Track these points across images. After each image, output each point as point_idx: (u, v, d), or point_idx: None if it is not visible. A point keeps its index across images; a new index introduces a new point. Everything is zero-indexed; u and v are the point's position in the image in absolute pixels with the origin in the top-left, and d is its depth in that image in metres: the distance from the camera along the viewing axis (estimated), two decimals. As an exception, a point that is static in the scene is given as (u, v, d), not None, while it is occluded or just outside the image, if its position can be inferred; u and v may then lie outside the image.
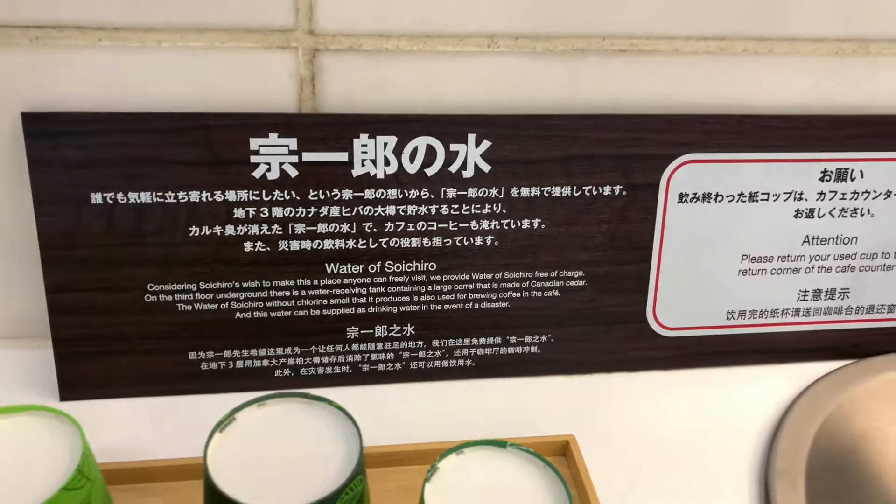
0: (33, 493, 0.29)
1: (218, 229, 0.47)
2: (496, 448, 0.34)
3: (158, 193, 0.46)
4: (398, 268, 0.49)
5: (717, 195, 0.51)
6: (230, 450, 0.32)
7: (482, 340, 0.52)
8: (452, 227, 0.49)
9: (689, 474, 0.46)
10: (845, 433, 0.49)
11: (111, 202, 0.45)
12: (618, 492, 0.43)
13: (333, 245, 0.48)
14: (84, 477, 0.31)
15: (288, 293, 0.49)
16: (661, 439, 0.48)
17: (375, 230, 0.48)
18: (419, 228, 0.49)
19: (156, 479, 0.42)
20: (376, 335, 0.50)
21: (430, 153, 0.47)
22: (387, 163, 0.47)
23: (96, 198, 0.45)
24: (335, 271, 0.49)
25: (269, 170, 0.46)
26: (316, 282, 0.49)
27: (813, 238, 0.53)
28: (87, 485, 0.31)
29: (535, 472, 0.33)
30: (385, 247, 0.49)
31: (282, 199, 0.47)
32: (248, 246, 0.47)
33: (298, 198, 0.47)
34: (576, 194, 0.49)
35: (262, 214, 0.47)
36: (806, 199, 0.52)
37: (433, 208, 0.48)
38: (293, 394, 0.35)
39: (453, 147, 0.47)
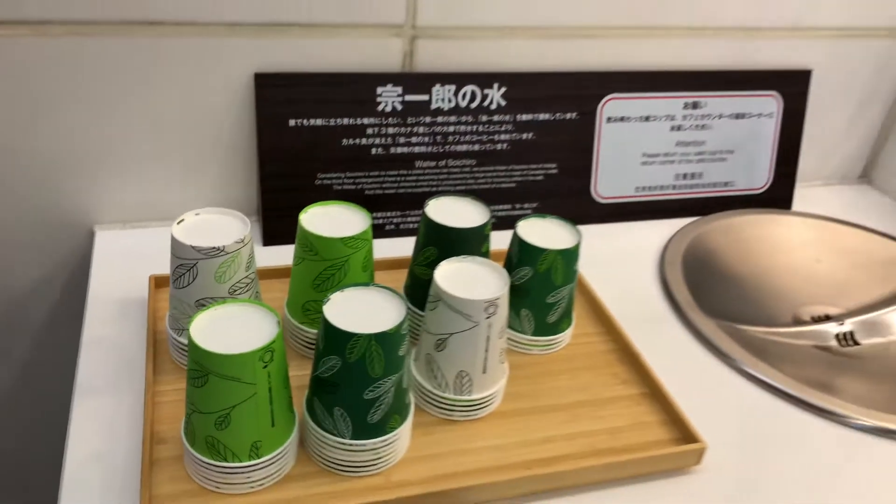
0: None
1: (358, 140, 0.81)
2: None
3: (325, 119, 0.80)
4: (454, 162, 0.86)
5: (627, 118, 0.90)
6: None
7: (500, 206, 0.89)
8: (485, 138, 0.86)
9: (618, 272, 0.84)
10: (700, 247, 0.90)
11: (299, 125, 0.79)
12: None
13: (420, 150, 0.84)
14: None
15: (394, 179, 0.84)
16: (602, 256, 0.86)
17: (442, 140, 0.84)
18: (466, 139, 0.85)
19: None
20: (441, 204, 0.86)
21: (473, 95, 0.84)
22: (449, 101, 0.83)
23: (291, 122, 0.79)
24: (420, 165, 0.84)
25: (386, 105, 0.81)
26: (410, 172, 0.84)
27: (680, 142, 0.93)
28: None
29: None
30: (447, 150, 0.85)
31: (393, 122, 0.82)
32: (373, 151, 0.82)
33: (402, 121, 0.82)
34: (552, 118, 0.87)
35: (381, 132, 0.82)
36: (676, 120, 0.92)
37: (474, 127, 0.85)
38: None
39: (486, 91, 0.84)
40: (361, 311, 0.53)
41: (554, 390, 0.66)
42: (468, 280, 0.59)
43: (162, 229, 0.77)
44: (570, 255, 0.66)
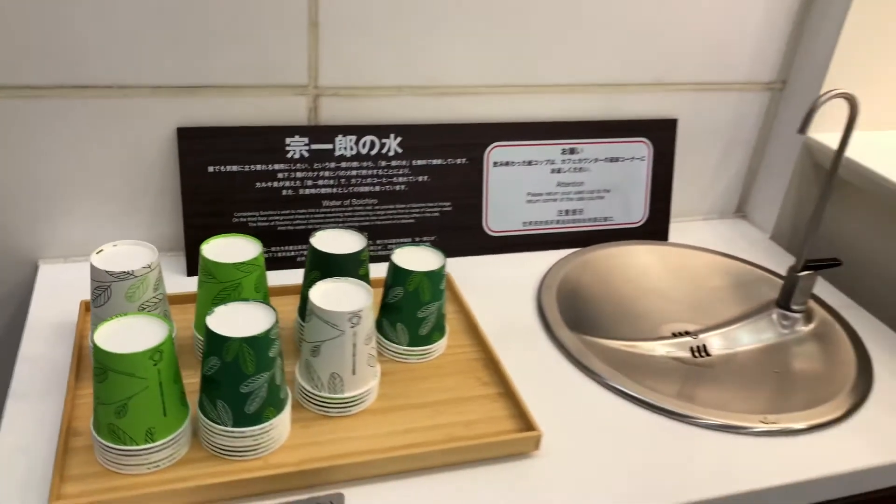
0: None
1: (270, 183, 0.94)
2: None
3: (240, 166, 0.92)
4: (357, 202, 0.98)
5: (511, 162, 1.03)
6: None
7: (400, 240, 1.01)
8: (385, 181, 0.98)
9: (501, 296, 0.96)
10: (577, 275, 1.02)
11: (217, 171, 0.92)
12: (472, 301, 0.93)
13: (326, 191, 0.96)
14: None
15: (304, 217, 0.96)
16: (489, 283, 0.99)
17: (346, 182, 0.97)
18: (367, 182, 0.98)
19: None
20: (347, 238, 0.99)
21: (372, 144, 0.97)
22: (351, 149, 0.96)
23: (210, 169, 0.92)
24: (327, 205, 0.97)
25: (294, 153, 0.94)
26: (318, 210, 0.97)
27: (561, 183, 1.06)
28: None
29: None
30: (350, 191, 0.98)
31: (301, 168, 0.95)
32: (284, 192, 0.95)
33: (309, 167, 0.95)
34: (444, 163, 1.00)
35: (291, 175, 0.95)
36: (556, 164, 1.05)
37: (374, 171, 0.98)
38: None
39: (383, 140, 0.97)
40: (240, 321, 0.65)
41: (422, 391, 0.78)
42: (339, 296, 0.71)
43: (96, 262, 0.89)
44: (436, 276, 0.79)
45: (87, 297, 0.82)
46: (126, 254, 0.73)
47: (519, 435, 0.72)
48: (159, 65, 0.86)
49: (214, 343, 0.63)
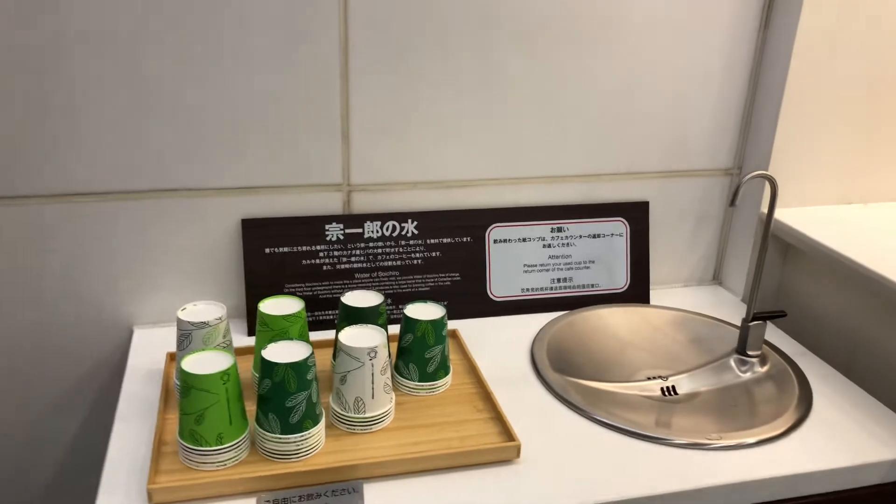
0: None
1: (313, 260, 1.19)
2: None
3: (290, 247, 1.17)
4: (383, 273, 1.22)
5: (509, 239, 1.26)
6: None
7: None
8: (405, 257, 1.22)
9: (501, 348, 1.17)
10: (565, 331, 1.23)
11: (272, 251, 1.17)
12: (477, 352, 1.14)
13: (358, 265, 1.20)
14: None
15: (340, 287, 1.20)
16: (492, 339, 1.19)
17: (373, 259, 1.21)
18: (391, 257, 1.22)
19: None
20: (375, 304, 1.22)
21: (394, 227, 1.21)
22: (377, 232, 1.21)
23: (266, 250, 1.17)
24: (358, 276, 1.21)
25: (332, 236, 1.19)
26: (351, 281, 1.21)
27: (552, 256, 1.28)
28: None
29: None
30: (377, 265, 1.21)
31: (337, 248, 1.19)
32: (324, 267, 1.19)
33: (344, 247, 1.19)
34: (452, 241, 1.24)
35: (330, 254, 1.19)
36: (546, 240, 1.28)
37: (395, 249, 1.22)
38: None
39: (403, 224, 1.21)
40: (286, 354, 0.87)
41: (429, 416, 0.98)
42: (361, 338, 0.93)
43: (177, 325, 1.14)
44: (439, 324, 1.01)
45: (172, 349, 1.07)
46: (203, 310, 0.97)
47: (503, 444, 0.92)
48: (228, 171, 1.13)
49: (266, 368, 0.85)
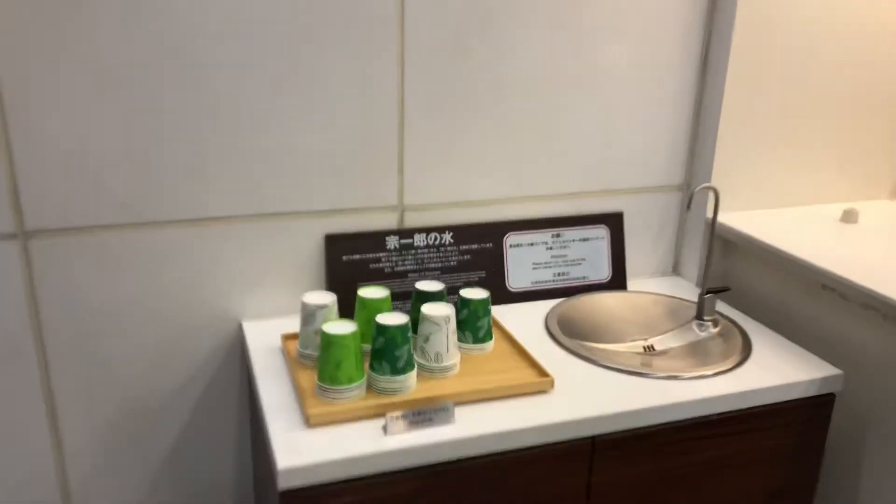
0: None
1: (378, 265, 1.56)
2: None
3: (361, 255, 1.55)
4: (428, 273, 1.60)
5: (520, 244, 1.66)
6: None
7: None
8: (444, 260, 1.61)
9: (522, 325, 1.56)
10: (568, 311, 1.62)
11: (348, 259, 1.54)
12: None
13: (410, 267, 1.58)
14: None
15: (398, 285, 1.58)
16: (514, 318, 1.58)
17: (420, 262, 1.59)
18: (434, 261, 1.60)
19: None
20: (424, 297, 1.60)
21: (435, 238, 1.60)
22: (423, 241, 1.59)
23: (344, 258, 1.54)
24: (411, 276, 1.59)
25: (391, 246, 1.57)
26: (405, 280, 1.58)
27: (553, 256, 1.68)
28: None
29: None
30: (424, 267, 1.60)
31: (395, 255, 1.57)
32: (385, 270, 1.57)
33: (399, 254, 1.57)
34: (478, 247, 1.63)
35: (389, 260, 1.57)
36: (548, 244, 1.68)
37: (437, 254, 1.60)
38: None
39: (442, 236, 1.60)
40: (391, 320, 1.25)
41: (483, 366, 1.36)
42: (437, 310, 1.31)
43: (280, 320, 1.50)
44: (485, 303, 1.39)
45: (280, 333, 1.43)
46: (318, 297, 1.34)
47: (541, 378, 1.30)
48: (316, 197, 1.51)
49: (381, 329, 1.23)
